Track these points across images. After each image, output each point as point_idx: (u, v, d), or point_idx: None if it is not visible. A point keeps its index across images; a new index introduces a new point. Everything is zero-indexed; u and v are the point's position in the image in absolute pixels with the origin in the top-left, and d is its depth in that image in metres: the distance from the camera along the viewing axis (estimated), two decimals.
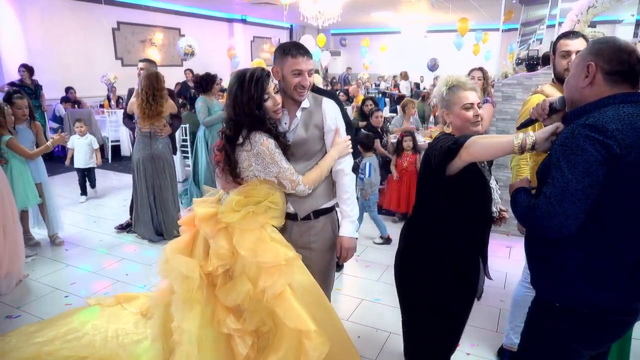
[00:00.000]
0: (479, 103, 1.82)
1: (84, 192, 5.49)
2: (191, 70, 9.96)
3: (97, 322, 2.81)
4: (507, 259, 3.93)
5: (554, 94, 2.13)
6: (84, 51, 9.43)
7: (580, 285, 1.37)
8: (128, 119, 4.37)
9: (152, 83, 3.95)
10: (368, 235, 4.44)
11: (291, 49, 1.92)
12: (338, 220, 2.19)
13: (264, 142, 1.83)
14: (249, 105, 1.83)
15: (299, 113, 2.01)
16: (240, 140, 1.86)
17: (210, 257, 1.89)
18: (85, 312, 2.95)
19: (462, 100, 1.79)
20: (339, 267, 3.70)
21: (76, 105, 8.24)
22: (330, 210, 2.12)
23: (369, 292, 3.33)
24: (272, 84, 1.89)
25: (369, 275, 3.62)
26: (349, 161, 2.09)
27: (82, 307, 3.03)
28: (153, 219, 4.22)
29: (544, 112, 1.62)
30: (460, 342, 2.71)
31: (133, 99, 4.13)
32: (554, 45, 2.32)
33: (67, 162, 5.32)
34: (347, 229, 2.07)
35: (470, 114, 1.78)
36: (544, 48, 8.91)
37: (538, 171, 1.47)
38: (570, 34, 2.22)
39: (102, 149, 8.12)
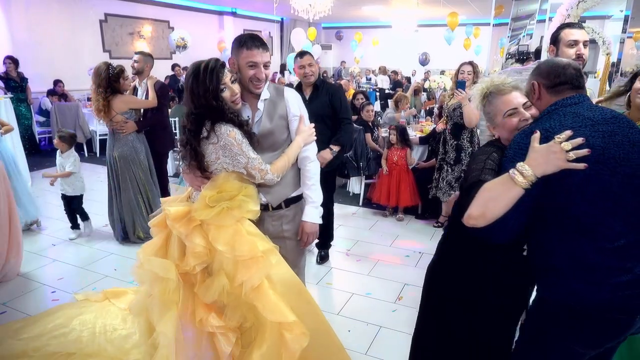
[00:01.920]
0: (525, 103, 1.60)
1: (74, 225, 4.17)
2: (179, 65, 9.88)
3: (84, 317, 2.77)
4: None
5: None
6: (71, 43, 9.28)
7: (575, 283, 1.38)
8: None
9: (100, 77, 3.71)
10: (359, 230, 4.44)
11: (247, 41, 1.91)
12: None
13: (230, 134, 1.80)
14: (206, 97, 1.80)
15: (260, 105, 2.01)
16: (205, 133, 1.82)
17: (186, 256, 1.86)
18: (73, 308, 2.92)
19: (502, 107, 1.60)
20: (323, 258, 3.70)
21: (62, 99, 8.12)
22: (300, 198, 2.15)
23: (359, 287, 3.33)
24: (229, 74, 1.86)
25: (360, 270, 3.62)
26: (313, 148, 2.12)
27: (69, 302, 2.99)
28: (121, 219, 4.03)
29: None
30: None
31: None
32: (555, 36, 2.32)
33: (51, 183, 4.06)
34: (311, 214, 2.10)
35: (515, 120, 1.57)
36: (534, 43, 8.95)
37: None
38: (574, 24, 2.26)
39: (89, 143, 8.04)
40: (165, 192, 4.29)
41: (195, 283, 1.88)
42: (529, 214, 1.41)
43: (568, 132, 1.32)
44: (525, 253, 1.59)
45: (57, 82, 8.26)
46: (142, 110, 4.05)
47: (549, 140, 1.34)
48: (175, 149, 4.84)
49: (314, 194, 2.10)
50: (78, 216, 4.17)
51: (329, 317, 2.93)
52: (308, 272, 3.44)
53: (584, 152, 1.29)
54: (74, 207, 4.11)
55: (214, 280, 1.84)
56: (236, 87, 1.88)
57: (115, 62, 3.95)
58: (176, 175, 6.15)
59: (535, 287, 1.57)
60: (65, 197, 4.06)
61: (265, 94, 2.01)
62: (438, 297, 1.80)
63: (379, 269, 3.62)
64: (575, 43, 2.22)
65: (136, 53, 4.20)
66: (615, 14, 8.81)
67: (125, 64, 4.20)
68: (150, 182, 4.06)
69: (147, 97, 4.02)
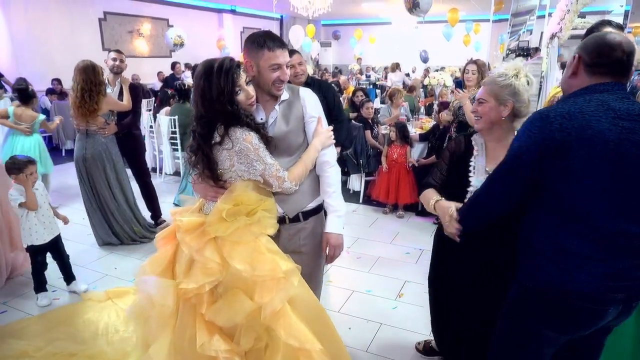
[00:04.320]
0: (480, 98, 1.78)
1: (40, 287, 3.05)
2: (179, 63, 9.86)
3: (86, 318, 2.79)
4: None
5: None
6: (70, 42, 9.26)
7: (552, 269, 1.41)
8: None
9: (90, 77, 3.52)
10: (359, 228, 4.44)
11: (266, 41, 1.74)
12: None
13: (246, 138, 1.65)
14: (220, 101, 1.63)
15: (277, 106, 1.86)
16: (218, 138, 1.66)
17: (194, 272, 1.69)
18: (75, 308, 2.93)
19: None
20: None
21: (63, 98, 8.11)
22: (319, 210, 1.98)
23: (360, 284, 3.33)
24: (243, 74, 1.70)
25: (360, 267, 3.61)
26: (332, 152, 1.95)
27: (72, 303, 3.01)
28: (109, 222, 3.89)
29: None
30: None
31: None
32: (591, 30, 2.25)
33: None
34: (334, 224, 1.91)
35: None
36: (535, 38, 8.92)
37: None
38: (613, 23, 2.28)
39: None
40: (148, 189, 4.27)
41: (201, 304, 1.69)
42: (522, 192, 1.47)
43: (454, 215, 1.70)
44: None
45: (54, 81, 8.25)
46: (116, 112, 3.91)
47: (562, 127, 1.31)
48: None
49: (336, 202, 1.91)
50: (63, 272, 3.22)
51: (330, 314, 2.92)
52: None
53: (455, 239, 1.73)
54: (61, 252, 3.16)
55: (231, 301, 1.65)
56: (251, 89, 1.73)
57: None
58: (176, 174, 6.14)
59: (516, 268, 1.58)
60: (42, 249, 3.03)
61: (284, 94, 1.87)
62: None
63: (380, 266, 3.61)
64: None
65: (116, 51, 4.00)
66: (615, 9, 8.77)
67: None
68: (124, 180, 3.97)
69: (119, 98, 3.91)
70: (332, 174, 1.92)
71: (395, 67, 12.34)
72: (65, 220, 3.20)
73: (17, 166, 2.85)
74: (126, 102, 3.88)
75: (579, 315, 1.43)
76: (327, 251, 1.94)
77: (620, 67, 1.39)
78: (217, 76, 1.63)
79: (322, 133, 1.90)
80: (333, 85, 7.88)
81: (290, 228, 1.88)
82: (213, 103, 1.64)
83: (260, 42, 1.75)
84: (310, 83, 3.25)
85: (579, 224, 1.37)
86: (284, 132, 1.83)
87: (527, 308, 1.51)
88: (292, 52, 3.24)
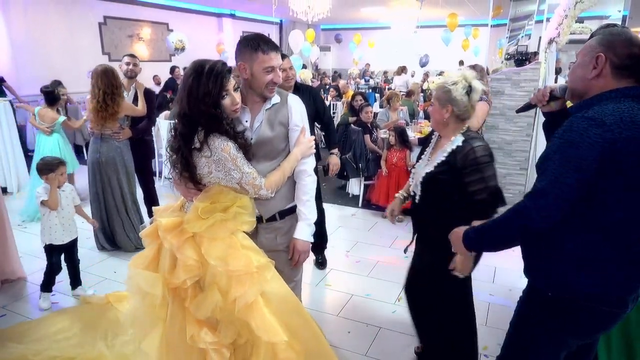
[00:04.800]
0: (430, 100, 1.87)
1: (47, 287, 3.05)
2: (178, 67, 9.87)
3: (86, 322, 2.78)
4: (495, 253, 3.93)
5: None
6: (70, 46, 9.28)
7: (575, 274, 1.38)
8: None
9: (111, 80, 3.55)
10: (358, 232, 4.44)
11: (260, 44, 1.77)
12: None
13: (224, 148, 1.68)
14: (204, 102, 1.66)
15: (264, 110, 1.88)
16: (197, 144, 1.69)
17: (177, 269, 1.76)
18: (75, 312, 2.92)
19: None
20: (322, 264, 3.69)
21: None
22: (295, 209, 2.01)
23: (359, 288, 3.33)
24: (233, 80, 1.73)
25: (359, 271, 3.62)
26: (311, 162, 1.99)
27: (72, 307, 3.01)
28: (105, 228, 3.90)
29: (544, 98, 1.63)
30: None
31: (88, 97, 3.71)
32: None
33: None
34: (303, 231, 1.96)
35: None
36: (533, 43, 8.96)
37: (537, 164, 1.48)
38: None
39: (87, 146, 8.01)
40: (151, 195, 4.26)
41: (186, 298, 1.77)
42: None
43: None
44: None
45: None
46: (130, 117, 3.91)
47: (622, 135, 1.24)
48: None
49: (307, 210, 1.96)
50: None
51: (329, 318, 2.94)
52: (307, 273, 3.45)
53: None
54: (74, 257, 3.19)
55: (207, 295, 1.74)
56: (237, 96, 1.76)
57: (114, 65, 3.88)
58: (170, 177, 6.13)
59: (528, 276, 1.56)
60: (58, 249, 3.05)
61: (275, 98, 1.90)
62: None
63: (379, 270, 3.62)
64: None
65: (130, 55, 4.01)
66: (613, 14, 8.83)
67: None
68: (133, 186, 3.98)
69: (134, 103, 3.90)
70: (308, 183, 1.97)
71: (401, 70, 12.32)
72: (95, 224, 3.53)
73: (49, 167, 2.95)
74: (141, 107, 3.89)
75: (606, 320, 1.43)
76: (293, 255, 1.98)
77: None
78: (206, 77, 1.66)
79: (303, 143, 1.94)
80: (332, 89, 7.93)
81: (268, 227, 1.94)
82: (198, 102, 1.66)
83: (254, 45, 1.78)
84: (299, 87, 3.26)
85: (618, 234, 1.34)
86: (267, 137, 1.87)
87: (550, 317, 1.47)
88: (282, 57, 3.26)
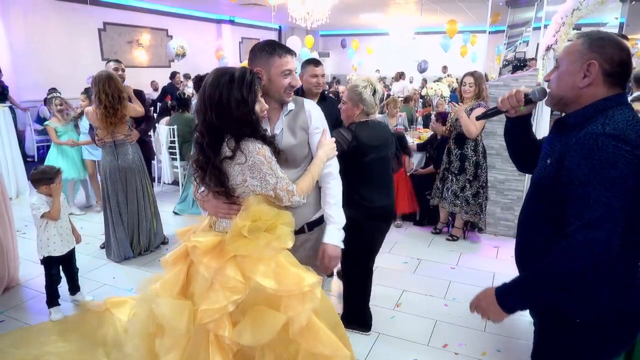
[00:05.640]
0: (342, 100, 2.19)
1: (53, 301, 2.97)
2: (178, 73, 9.90)
3: (84, 328, 2.77)
4: (494, 259, 3.95)
5: None
6: (69, 52, 9.32)
7: (610, 299, 1.32)
8: (93, 129, 3.86)
9: (117, 85, 3.56)
10: None
11: (276, 49, 1.77)
12: None
13: (259, 151, 1.60)
14: (239, 110, 1.58)
15: (283, 117, 1.86)
16: (229, 152, 1.59)
17: (214, 294, 1.61)
18: (73, 319, 2.91)
19: None
20: (329, 274, 3.67)
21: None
22: (323, 220, 1.96)
23: None
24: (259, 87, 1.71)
25: None
26: (335, 164, 1.95)
27: (72, 314, 3.00)
28: (132, 235, 3.88)
29: (518, 104, 1.52)
30: (449, 342, 2.74)
31: (90, 108, 3.73)
32: None
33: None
34: (334, 235, 1.89)
35: None
36: (531, 50, 9.01)
37: (535, 188, 1.43)
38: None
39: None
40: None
41: (220, 327, 1.61)
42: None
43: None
44: None
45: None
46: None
47: (633, 149, 1.18)
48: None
49: (335, 213, 1.90)
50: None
51: None
52: None
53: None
54: (73, 267, 3.15)
55: (260, 319, 1.59)
56: (264, 101, 1.71)
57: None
58: (174, 183, 6.13)
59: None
60: (58, 260, 2.96)
61: (290, 104, 1.87)
62: None
63: (377, 276, 3.59)
64: None
65: (115, 61, 4.04)
66: (610, 22, 8.89)
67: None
68: (152, 187, 4.07)
69: None
70: (334, 186, 1.92)
71: (399, 76, 12.37)
72: (79, 239, 3.15)
73: (49, 176, 2.84)
74: (139, 107, 3.95)
75: (625, 339, 1.41)
76: (323, 261, 1.91)
77: (628, 77, 1.31)
78: (238, 85, 1.59)
79: (326, 144, 1.90)
80: (331, 94, 7.90)
81: (296, 240, 1.82)
82: (231, 111, 1.58)
83: (270, 49, 1.77)
84: (325, 97, 3.29)
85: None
86: (291, 144, 1.83)
87: (578, 342, 1.40)
88: (318, 63, 3.22)
